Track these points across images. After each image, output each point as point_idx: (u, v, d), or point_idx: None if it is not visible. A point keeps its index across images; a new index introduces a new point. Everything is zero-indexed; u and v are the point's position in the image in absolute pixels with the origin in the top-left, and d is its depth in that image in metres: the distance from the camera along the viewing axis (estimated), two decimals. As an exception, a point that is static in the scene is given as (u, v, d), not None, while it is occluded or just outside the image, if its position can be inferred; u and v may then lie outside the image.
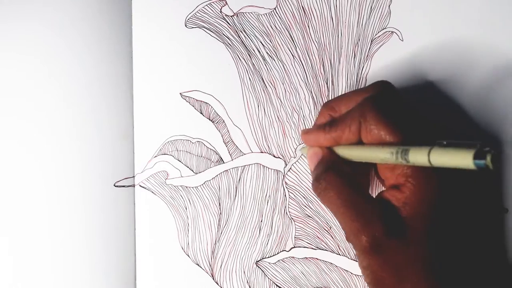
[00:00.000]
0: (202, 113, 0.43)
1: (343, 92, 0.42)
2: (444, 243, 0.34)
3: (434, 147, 0.28)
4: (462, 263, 0.35)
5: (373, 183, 0.40)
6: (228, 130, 0.42)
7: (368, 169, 0.39)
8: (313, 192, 0.42)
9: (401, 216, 0.33)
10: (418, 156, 0.29)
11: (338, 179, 0.35)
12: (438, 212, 0.33)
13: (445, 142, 0.29)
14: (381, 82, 0.37)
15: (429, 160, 0.28)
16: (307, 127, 0.42)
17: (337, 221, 0.36)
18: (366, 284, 0.40)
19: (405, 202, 0.33)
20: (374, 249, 0.33)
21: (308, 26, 0.42)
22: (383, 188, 0.37)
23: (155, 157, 0.43)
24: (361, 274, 0.40)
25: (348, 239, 0.34)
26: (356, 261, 0.41)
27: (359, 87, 0.42)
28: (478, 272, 0.39)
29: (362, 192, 0.35)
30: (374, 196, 0.36)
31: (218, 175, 0.42)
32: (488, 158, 0.25)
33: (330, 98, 0.42)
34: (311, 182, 0.37)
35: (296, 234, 0.42)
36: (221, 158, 0.42)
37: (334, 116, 0.37)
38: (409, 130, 0.33)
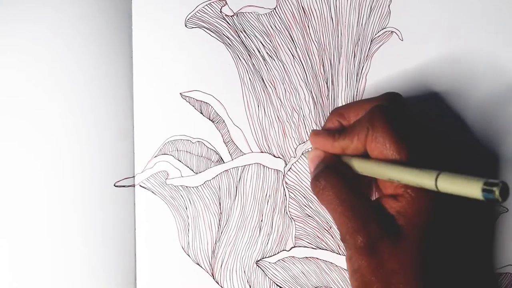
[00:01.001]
0: (202, 113, 0.43)
1: (343, 92, 0.42)
2: (437, 252, 0.34)
3: (441, 173, 0.29)
4: (453, 271, 0.35)
5: (370, 188, 0.40)
6: (228, 130, 0.43)
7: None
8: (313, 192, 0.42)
9: (397, 224, 0.33)
10: (425, 180, 0.29)
11: (337, 178, 0.35)
12: (434, 224, 0.33)
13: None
14: (391, 93, 0.37)
15: (436, 186, 0.29)
16: (307, 127, 0.42)
17: (334, 220, 0.36)
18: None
19: (399, 212, 0.33)
20: (368, 250, 0.33)
21: (308, 26, 0.42)
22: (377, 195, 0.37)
23: (155, 157, 0.43)
24: (361, 274, 0.40)
25: (343, 239, 0.34)
26: (356, 260, 0.41)
27: (359, 87, 0.42)
28: (469, 279, 0.39)
29: (360, 193, 0.35)
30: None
31: (218, 175, 0.42)
32: (497, 191, 0.26)
33: (331, 98, 0.42)
34: (311, 181, 0.37)
35: (296, 233, 0.42)
36: (221, 158, 0.42)
37: (343, 123, 0.38)
38: (414, 146, 0.33)
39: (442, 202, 0.33)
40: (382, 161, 0.33)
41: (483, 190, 0.26)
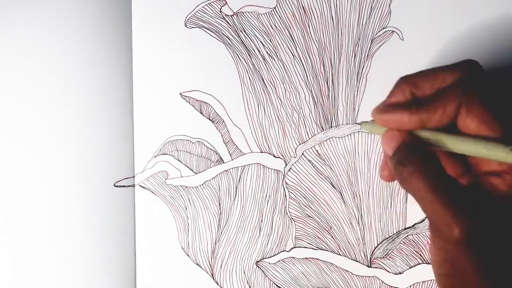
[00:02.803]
0: (202, 113, 0.43)
1: (343, 92, 0.42)
2: None
3: None
4: None
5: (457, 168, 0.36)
6: (228, 130, 0.42)
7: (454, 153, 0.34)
8: (313, 192, 0.42)
9: (497, 205, 0.30)
10: None
11: (426, 163, 0.31)
12: None
13: None
14: (471, 62, 0.33)
15: None
16: (307, 127, 0.42)
17: (422, 208, 0.31)
18: (369, 283, 0.40)
19: (508, 191, 0.30)
20: (467, 241, 0.29)
21: (308, 26, 0.42)
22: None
23: (155, 157, 0.43)
24: (361, 275, 0.40)
25: (435, 229, 0.31)
26: (357, 261, 0.41)
27: (359, 87, 0.42)
28: None
29: (451, 178, 0.31)
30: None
31: (218, 175, 0.42)
32: None
33: (331, 97, 0.42)
34: (393, 166, 0.32)
35: (297, 234, 0.42)
36: (221, 158, 0.42)
37: (415, 93, 0.33)
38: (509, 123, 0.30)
39: None
40: (483, 137, 0.30)
41: None
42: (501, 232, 0.30)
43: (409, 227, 0.41)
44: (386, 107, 0.33)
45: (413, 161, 0.31)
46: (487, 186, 0.31)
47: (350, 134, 0.41)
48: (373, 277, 0.40)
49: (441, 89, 0.32)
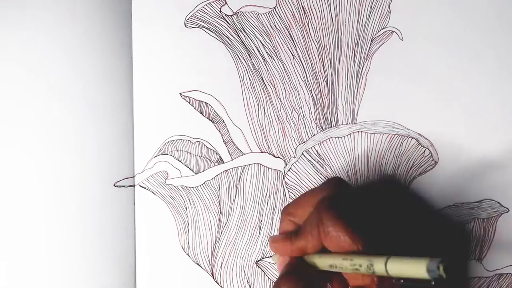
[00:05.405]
0: (202, 113, 0.43)
1: (343, 92, 0.42)
2: None
3: (390, 257, 0.28)
4: None
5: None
6: (228, 130, 0.42)
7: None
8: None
9: None
10: (377, 267, 0.29)
11: (296, 283, 0.33)
12: None
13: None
14: (335, 180, 0.36)
15: (386, 271, 0.28)
16: (307, 127, 0.42)
17: None
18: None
19: None
20: None
21: (308, 26, 0.42)
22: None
23: (155, 157, 0.43)
24: (361, 274, 0.40)
25: None
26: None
27: (359, 87, 0.42)
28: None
29: None
30: None
31: (218, 175, 0.42)
32: (441, 268, 0.26)
33: (331, 98, 0.42)
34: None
35: (296, 234, 0.42)
36: (221, 158, 0.42)
37: (294, 221, 0.36)
38: (366, 232, 0.32)
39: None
40: (336, 253, 0.32)
41: (429, 271, 0.26)
42: None
43: (408, 227, 0.41)
44: (275, 238, 0.37)
45: (284, 283, 0.33)
46: None
47: (349, 134, 0.41)
48: (372, 276, 0.40)
49: (308, 216, 0.35)
